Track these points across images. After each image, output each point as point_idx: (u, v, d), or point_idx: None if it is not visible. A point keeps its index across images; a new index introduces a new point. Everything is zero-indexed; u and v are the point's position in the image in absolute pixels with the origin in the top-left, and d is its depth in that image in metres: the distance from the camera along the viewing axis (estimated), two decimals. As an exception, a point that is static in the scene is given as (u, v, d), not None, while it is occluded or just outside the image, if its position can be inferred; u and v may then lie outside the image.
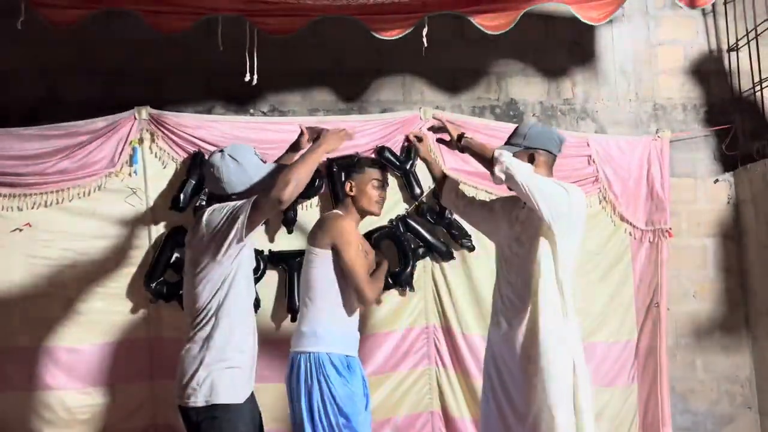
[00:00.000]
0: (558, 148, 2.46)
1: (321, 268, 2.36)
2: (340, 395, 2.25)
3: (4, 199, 2.80)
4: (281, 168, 2.18)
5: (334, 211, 2.52)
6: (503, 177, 2.27)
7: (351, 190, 2.49)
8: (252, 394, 2.21)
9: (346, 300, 2.37)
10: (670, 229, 3.28)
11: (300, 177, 2.07)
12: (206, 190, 2.77)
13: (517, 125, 2.57)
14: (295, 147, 2.58)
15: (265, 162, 2.28)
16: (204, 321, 2.12)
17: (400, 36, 3.04)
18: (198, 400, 2.08)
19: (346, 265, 2.32)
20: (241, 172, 2.16)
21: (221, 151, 2.22)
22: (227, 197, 2.17)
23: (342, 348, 2.34)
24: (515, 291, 2.37)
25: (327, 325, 2.32)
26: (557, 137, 2.47)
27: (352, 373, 2.34)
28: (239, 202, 2.08)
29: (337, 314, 2.36)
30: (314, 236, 2.41)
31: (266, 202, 2.03)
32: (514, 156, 2.33)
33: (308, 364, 2.27)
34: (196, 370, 2.09)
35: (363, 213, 2.50)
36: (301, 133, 2.55)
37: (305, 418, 2.24)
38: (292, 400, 2.31)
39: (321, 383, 2.24)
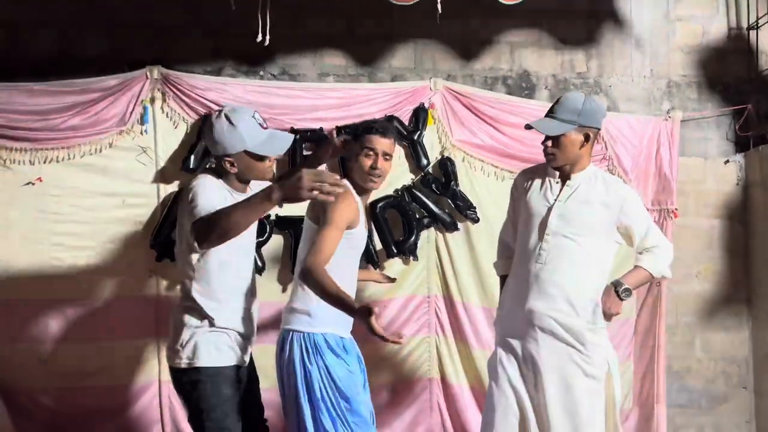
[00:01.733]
0: (600, 125, 2.38)
1: None
2: (340, 377, 2.18)
3: (15, 153, 2.90)
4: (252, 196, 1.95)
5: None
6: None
7: (349, 158, 2.31)
8: (246, 359, 2.23)
9: (341, 278, 2.16)
10: (676, 209, 3.34)
11: (227, 231, 1.90)
12: None
13: (561, 97, 2.39)
14: (314, 157, 2.55)
15: (266, 128, 2.16)
16: (188, 283, 2.13)
17: (414, 2, 3.05)
18: (181, 361, 2.10)
19: (320, 231, 2.11)
20: (235, 135, 2.08)
21: (220, 110, 2.15)
22: (220, 158, 2.13)
23: (336, 328, 2.24)
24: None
25: (321, 304, 2.13)
26: (605, 111, 2.42)
27: (348, 353, 2.26)
28: (193, 205, 2.02)
29: None
30: (312, 209, 2.26)
31: (190, 232, 2.01)
32: (566, 130, 2.27)
33: (303, 344, 2.18)
34: (180, 332, 2.12)
35: (356, 187, 2.27)
36: (327, 140, 2.49)
37: (303, 402, 2.15)
38: (282, 378, 2.23)
39: (320, 367, 2.16)
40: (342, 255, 2.17)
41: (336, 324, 2.23)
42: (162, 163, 3.01)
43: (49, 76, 3.16)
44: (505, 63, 3.52)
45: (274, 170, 2.34)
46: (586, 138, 2.31)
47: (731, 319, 3.55)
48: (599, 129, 2.37)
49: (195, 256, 2.12)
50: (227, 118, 2.10)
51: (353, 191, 2.26)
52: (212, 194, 2.07)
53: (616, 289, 2.35)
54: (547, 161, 2.37)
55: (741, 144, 3.57)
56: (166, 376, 2.93)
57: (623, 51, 3.56)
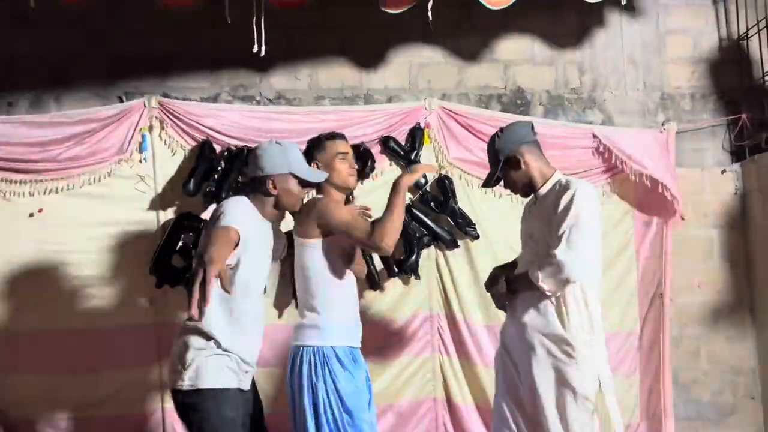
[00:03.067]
0: (531, 133, 2.45)
1: (314, 258, 2.33)
2: (346, 391, 2.24)
3: (15, 185, 2.98)
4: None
5: (314, 197, 2.48)
6: (556, 290, 2.27)
7: (318, 169, 2.43)
8: (248, 384, 2.29)
9: (345, 289, 2.36)
10: (683, 217, 3.38)
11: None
12: (215, 177, 2.96)
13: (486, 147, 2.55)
14: None
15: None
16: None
17: (407, 8, 3.05)
18: (184, 383, 2.16)
19: (340, 228, 2.27)
20: (285, 157, 2.29)
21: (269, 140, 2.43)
22: (263, 179, 2.28)
23: (346, 339, 2.33)
24: None
25: (329, 317, 2.29)
26: (522, 125, 2.49)
27: (357, 366, 2.35)
28: (220, 216, 2.14)
29: (337, 304, 2.34)
30: (301, 226, 2.36)
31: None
32: (498, 172, 2.43)
33: (312, 358, 2.26)
34: (183, 354, 2.18)
35: (340, 189, 2.45)
36: None
37: (308, 414, 2.23)
38: (293, 393, 2.30)
39: (326, 379, 2.23)
40: (338, 269, 2.35)
41: (346, 335, 2.33)
42: (161, 190, 3.08)
43: (47, 105, 3.26)
44: (499, 80, 3.60)
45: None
46: (516, 162, 2.41)
47: (735, 329, 3.59)
48: (525, 142, 2.42)
49: None
50: (278, 143, 2.36)
51: (326, 198, 2.43)
52: (241, 211, 2.22)
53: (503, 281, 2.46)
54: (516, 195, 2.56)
55: (737, 153, 3.65)
56: (170, 403, 2.99)
57: (616, 65, 3.66)
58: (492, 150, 2.47)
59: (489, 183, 2.53)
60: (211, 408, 2.15)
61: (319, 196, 2.47)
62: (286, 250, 2.56)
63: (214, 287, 1.92)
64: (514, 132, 2.45)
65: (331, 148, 2.44)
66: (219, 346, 2.19)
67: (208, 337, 2.18)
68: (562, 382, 2.30)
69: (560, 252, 2.24)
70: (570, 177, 2.48)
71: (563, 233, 2.25)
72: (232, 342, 2.20)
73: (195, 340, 2.19)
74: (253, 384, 2.37)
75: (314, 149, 2.47)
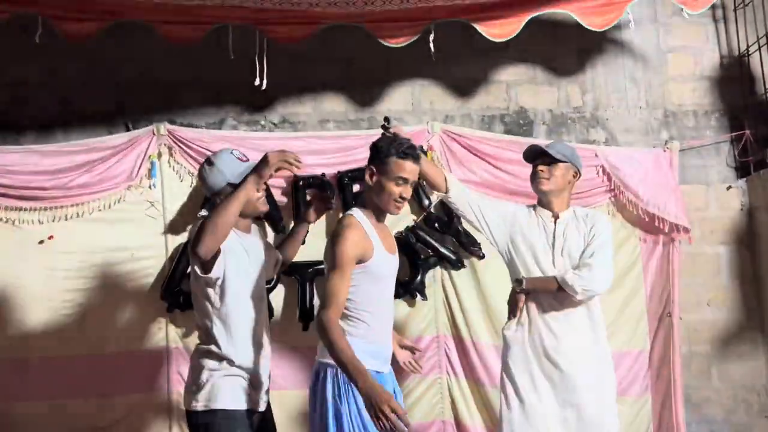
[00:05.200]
0: (581, 172, 2.77)
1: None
2: (369, 419, 2.09)
3: (25, 213, 3.12)
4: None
5: (347, 214, 2.32)
6: (584, 297, 2.57)
7: (371, 178, 2.28)
8: (264, 412, 2.36)
9: (374, 312, 2.24)
10: (690, 235, 3.46)
11: (218, 227, 2.13)
12: None
13: (552, 142, 2.93)
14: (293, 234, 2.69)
15: (246, 160, 2.38)
16: (206, 328, 2.30)
17: (408, 43, 3.28)
18: (198, 404, 2.25)
19: (325, 286, 2.19)
20: (217, 173, 2.33)
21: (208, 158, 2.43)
22: (214, 198, 2.36)
23: (372, 363, 2.20)
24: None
25: (354, 339, 2.17)
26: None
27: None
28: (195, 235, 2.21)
29: (362, 327, 2.25)
30: (326, 252, 2.29)
31: (192, 256, 2.22)
32: (561, 163, 2.62)
33: (336, 379, 2.19)
34: (198, 376, 2.27)
35: (379, 211, 2.30)
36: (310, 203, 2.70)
37: None
38: (314, 411, 2.25)
39: (350, 404, 2.16)
40: (365, 291, 2.23)
41: (371, 359, 2.22)
42: (169, 216, 3.22)
43: (54, 133, 3.40)
44: (501, 101, 3.73)
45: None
46: (574, 174, 2.68)
47: (746, 346, 3.65)
48: (580, 175, 2.73)
49: (212, 294, 2.28)
50: (207, 161, 2.39)
51: (362, 219, 2.27)
52: None
53: (515, 282, 2.66)
54: (538, 184, 2.66)
55: (742, 169, 3.76)
56: (177, 428, 3.09)
57: (617, 83, 3.79)
58: (563, 148, 2.69)
59: (539, 149, 2.67)
60: (223, 429, 2.24)
61: (349, 217, 2.28)
62: (279, 266, 2.63)
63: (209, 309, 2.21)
64: (581, 161, 2.74)
65: (393, 164, 2.24)
66: (232, 364, 2.28)
67: (221, 358, 2.28)
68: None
69: (598, 264, 2.57)
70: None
71: (596, 248, 2.60)
72: (242, 360, 2.29)
73: (208, 361, 2.29)
74: (269, 408, 2.44)
75: (377, 154, 2.29)
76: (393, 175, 2.23)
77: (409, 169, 2.24)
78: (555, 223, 2.65)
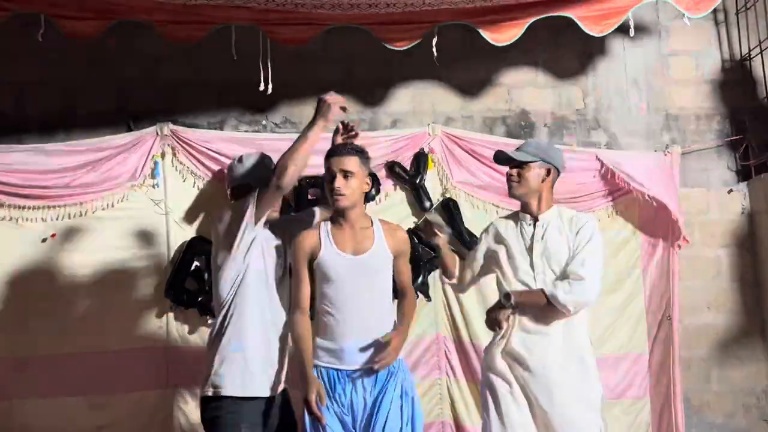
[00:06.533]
0: (563, 167, 2.68)
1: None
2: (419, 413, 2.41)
3: (28, 211, 3.17)
4: (264, 157, 2.65)
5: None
6: (576, 311, 2.48)
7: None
8: (275, 397, 2.41)
9: (334, 310, 2.36)
10: (686, 239, 3.51)
11: (296, 159, 2.34)
12: None
13: (526, 140, 2.87)
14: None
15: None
16: (220, 317, 2.40)
17: (410, 46, 3.34)
18: (208, 389, 2.35)
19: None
20: (241, 167, 2.63)
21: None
22: (236, 191, 2.58)
23: (327, 360, 2.38)
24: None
25: (317, 335, 2.39)
26: (564, 159, 2.69)
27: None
28: (245, 199, 2.41)
29: (322, 323, 2.40)
30: None
31: (266, 191, 2.37)
32: (531, 164, 2.57)
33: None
34: (211, 364, 2.36)
35: (335, 210, 2.42)
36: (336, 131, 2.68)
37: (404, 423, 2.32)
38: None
39: (415, 400, 2.40)
40: (321, 290, 2.37)
41: (327, 355, 2.36)
42: (172, 215, 3.27)
43: (57, 132, 3.45)
44: (503, 103, 3.79)
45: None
46: (547, 173, 2.60)
47: (746, 349, 3.71)
48: (559, 171, 2.64)
49: (231, 273, 2.39)
50: (239, 159, 2.68)
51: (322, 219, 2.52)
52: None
53: (503, 297, 2.55)
54: (510, 189, 2.64)
55: (743, 173, 3.82)
56: (179, 426, 3.15)
57: (619, 86, 3.84)
58: (535, 144, 2.68)
59: (504, 155, 2.63)
60: (228, 416, 2.31)
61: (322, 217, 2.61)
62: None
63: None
64: (562, 156, 2.67)
65: (326, 164, 2.42)
66: (245, 345, 2.35)
67: (227, 347, 2.35)
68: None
69: (588, 274, 2.48)
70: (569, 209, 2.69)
71: (586, 255, 2.50)
72: (256, 344, 2.37)
73: (222, 346, 2.36)
74: (286, 397, 2.48)
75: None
76: (327, 174, 2.40)
77: (335, 162, 2.39)
78: (534, 225, 2.60)
